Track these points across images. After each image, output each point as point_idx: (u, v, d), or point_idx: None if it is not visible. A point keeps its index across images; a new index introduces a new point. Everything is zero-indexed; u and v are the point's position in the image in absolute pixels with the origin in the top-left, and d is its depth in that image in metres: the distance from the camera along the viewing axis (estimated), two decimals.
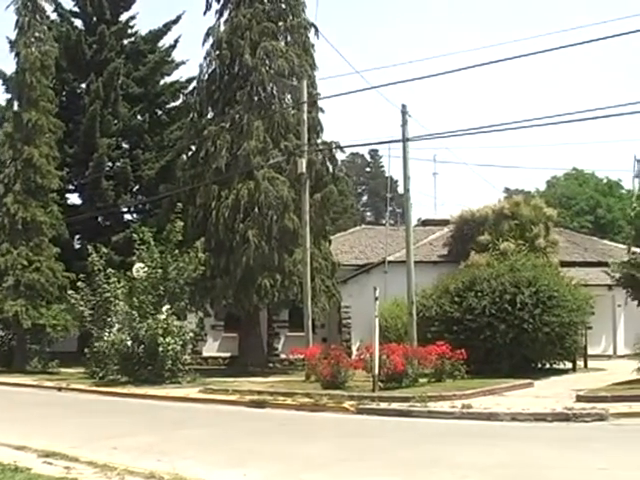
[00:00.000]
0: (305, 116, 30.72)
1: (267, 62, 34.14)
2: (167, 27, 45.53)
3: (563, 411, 18.31)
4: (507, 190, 70.00)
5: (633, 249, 26.69)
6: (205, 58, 35.31)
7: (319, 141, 35.06)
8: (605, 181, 76.19)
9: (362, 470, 12.67)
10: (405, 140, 28.33)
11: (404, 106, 28.28)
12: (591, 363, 32.28)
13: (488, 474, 12.14)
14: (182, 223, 30.20)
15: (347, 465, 13.10)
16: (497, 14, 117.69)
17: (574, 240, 43.94)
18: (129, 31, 45.95)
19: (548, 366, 30.08)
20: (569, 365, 30.73)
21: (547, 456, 13.57)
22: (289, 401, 22.08)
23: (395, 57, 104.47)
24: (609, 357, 36.90)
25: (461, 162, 77.24)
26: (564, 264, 36.14)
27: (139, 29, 46.26)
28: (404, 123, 28.19)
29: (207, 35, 35.24)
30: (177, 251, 29.75)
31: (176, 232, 29.88)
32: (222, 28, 35.29)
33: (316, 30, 35.53)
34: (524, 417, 18.20)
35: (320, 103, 35.21)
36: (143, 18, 74.21)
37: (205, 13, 35.98)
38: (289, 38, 35.67)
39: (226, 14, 35.45)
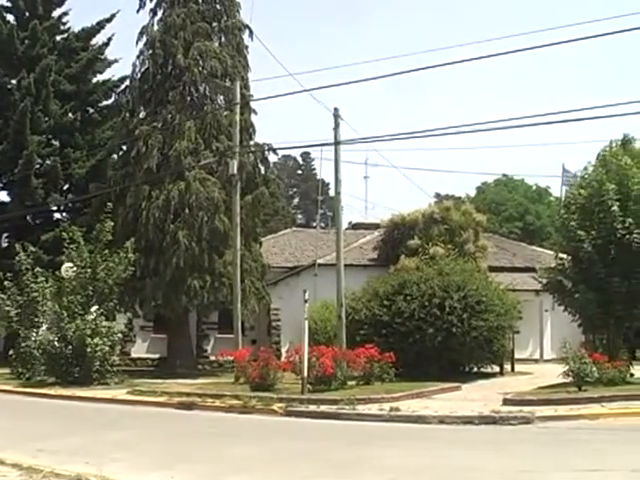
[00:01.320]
0: (237, 117, 30.64)
1: (200, 62, 34.03)
2: (100, 25, 45.00)
3: (490, 414, 18.55)
4: (438, 195, 70.64)
5: (560, 255, 27.06)
6: (138, 57, 35.04)
7: (251, 143, 35.04)
8: (534, 188, 77.18)
9: (290, 472, 12.71)
10: (337, 143, 28.39)
11: (336, 109, 28.35)
12: (518, 367, 32.68)
13: (416, 476, 12.27)
14: (112, 223, 29.95)
15: (275, 467, 13.12)
16: (434, 18, 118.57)
17: (503, 246, 44.42)
18: (62, 27, 45.33)
19: (476, 370, 30.46)
20: (497, 369, 31.13)
21: (474, 459, 13.74)
22: (218, 403, 22.03)
23: (330, 60, 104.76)
24: (536, 361, 37.38)
25: (392, 166, 77.42)
26: (493, 269, 36.55)
27: (72, 26, 45.72)
28: (336, 126, 28.24)
29: (140, 34, 34.94)
30: (107, 251, 29.47)
31: (106, 232, 29.61)
32: (156, 27, 35.05)
33: (250, 31, 35.54)
34: (452, 420, 18.40)
35: (253, 105, 35.20)
36: (77, 15, 73.52)
37: (138, 11, 35.70)
38: (223, 39, 35.59)
39: (160, 13, 35.23)
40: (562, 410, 18.94)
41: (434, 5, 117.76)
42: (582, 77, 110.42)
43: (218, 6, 35.63)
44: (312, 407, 20.60)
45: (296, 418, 19.91)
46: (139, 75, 35.09)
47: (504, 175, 76.80)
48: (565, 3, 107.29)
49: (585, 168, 27.89)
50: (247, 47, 35.79)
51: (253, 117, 35.10)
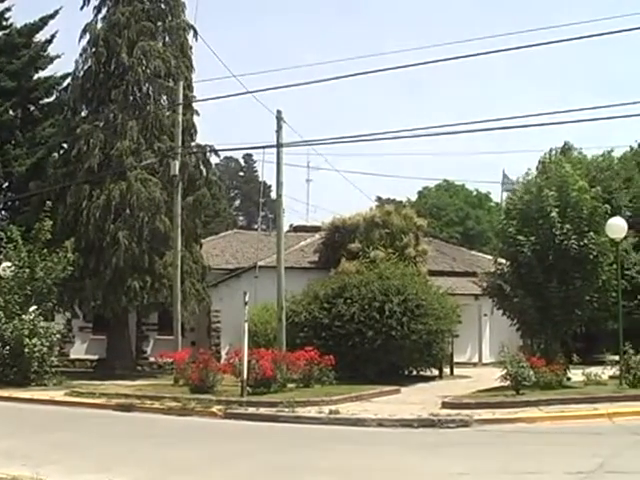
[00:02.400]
0: (180, 118, 30.52)
1: (144, 62, 33.78)
2: (43, 21, 44.37)
3: (429, 417, 18.73)
4: (379, 199, 70.72)
5: (499, 260, 27.37)
6: (81, 55, 34.60)
7: (193, 144, 34.89)
8: (475, 193, 78.08)
9: (228, 475, 12.75)
10: (279, 146, 28.44)
11: (279, 112, 28.40)
12: (457, 370, 33.01)
13: (352, 478, 12.35)
14: (51, 222, 29.61)
15: (213, 470, 13.14)
16: (382, 20, 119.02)
17: (443, 250, 44.76)
18: (4, 23, 44.60)
19: (415, 373, 30.67)
20: (436, 372, 31.37)
21: (410, 461, 13.89)
22: (157, 405, 21.96)
23: (276, 62, 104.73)
24: (475, 365, 37.77)
25: (333, 169, 77.75)
26: (433, 273, 36.80)
27: (15, 22, 45.06)
28: (279, 129, 28.30)
29: (84, 31, 34.52)
30: (45, 250, 29.14)
31: (45, 231, 29.28)
32: (100, 25, 34.70)
33: (195, 32, 35.38)
34: (391, 423, 18.55)
35: (196, 105, 35.05)
36: (20, 11, 72.40)
37: (82, 8, 35.18)
38: (167, 39, 35.40)
39: (104, 11, 34.88)
40: (500, 413, 19.17)
41: (382, 7, 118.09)
42: (530, 85, 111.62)
43: (163, 5, 35.43)
44: (251, 409, 20.63)
45: (235, 420, 19.93)
46: (82, 73, 34.67)
47: (445, 180, 77.55)
48: (499, 13, 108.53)
49: (525, 174, 28.30)
50: (191, 47, 35.65)
51: (196, 118, 34.97)
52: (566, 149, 37.58)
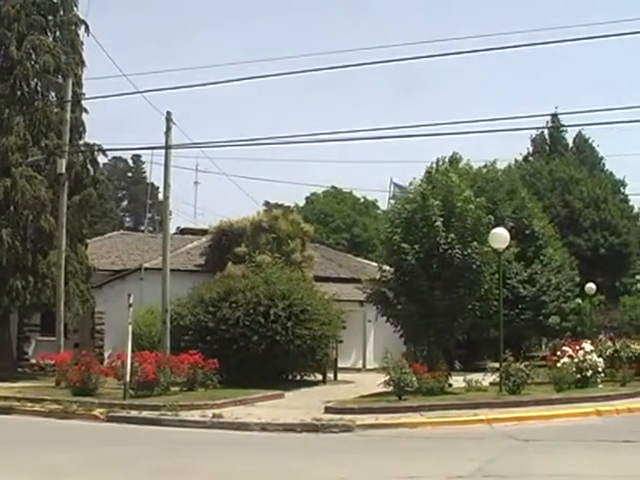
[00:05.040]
0: (68, 116, 30.10)
1: (33, 57, 33.06)
2: None
3: (312, 422, 18.86)
4: (267, 204, 70.90)
5: (384, 267, 27.78)
6: None
7: (81, 142, 34.31)
8: (362, 201, 78.82)
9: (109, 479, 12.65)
10: (167, 147, 28.33)
11: (169, 113, 28.29)
12: (341, 376, 33.27)
13: None
14: None
15: (94, 474, 13.02)
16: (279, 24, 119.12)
17: (329, 256, 45.19)
18: None
19: (299, 378, 30.89)
20: (320, 377, 31.65)
21: (295, 466, 13.98)
22: (37, 408, 21.58)
23: (162, 64, 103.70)
24: (359, 370, 38.18)
25: (222, 173, 77.50)
26: (319, 279, 37.11)
27: None
28: (168, 130, 28.19)
29: None
30: None
31: None
32: None
33: (86, 27, 34.76)
34: (274, 427, 18.62)
35: (86, 103, 34.52)
36: None
37: None
38: (58, 33, 34.68)
39: None
40: (383, 419, 19.42)
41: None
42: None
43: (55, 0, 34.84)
44: (134, 413, 20.48)
45: (117, 424, 19.74)
46: None
47: (333, 187, 78.07)
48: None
49: (411, 183, 28.79)
50: (82, 43, 35.03)
51: (85, 116, 34.38)
52: (453, 159, 38.27)
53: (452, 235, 25.31)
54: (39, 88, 33.98)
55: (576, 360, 25.27)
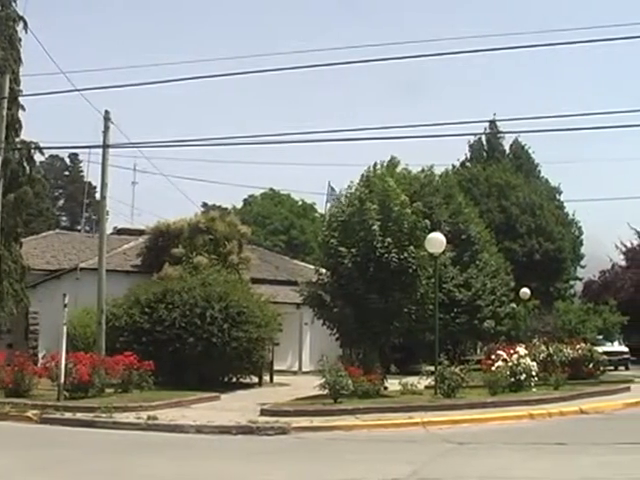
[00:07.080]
0: (4, 112, 29.68)
1: None
2: None
3: (247, 424, 18.89)
4: (205, 205, 70.79)
5: (321, 270, 27.88)
6: None
7: (17, 139, 33.89)
8: (300, 203, 79.01)
9: None
10: (105, 147, 28.15)
11: (107, 112, 28.09)
12: (277, 378, 33.28)
13: None
14: None
15: (31, 477, 12.89)
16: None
17: (266, 258, 45.18)
18: None
19: (235, 380, 30.80)
20: (256, 380, 31.61)
21: (231, 469, 14.01)
22: None
23: (108, 62, 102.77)
24: (295, 373, 38.25)
25: (160, 173, 77.02)
26: (255, 281, 37.05)
27: None
28: (106, 129, 28.00)
29: None
30: None
31: None
32: None
33: (25, 24, 34.37)
34: (209, 429, 18.61)
35: (22, 100, 34.10)
36: None
37: None
38: None
39: None
40: (318, 421, 19.51)
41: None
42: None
43: None
44: (68, 414, 20.28)
45: (51, 426, 19.53)
46: None
47: (271, 189, 78.15)
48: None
49: (349, 187, 28.89)
50: (20, 40, 34.62)
51: (21, 113, 33.95)
52: (391, 164, 38.52)
53: (389, 239, 25.48)
54: None
55: (510, 364, 25.66)
